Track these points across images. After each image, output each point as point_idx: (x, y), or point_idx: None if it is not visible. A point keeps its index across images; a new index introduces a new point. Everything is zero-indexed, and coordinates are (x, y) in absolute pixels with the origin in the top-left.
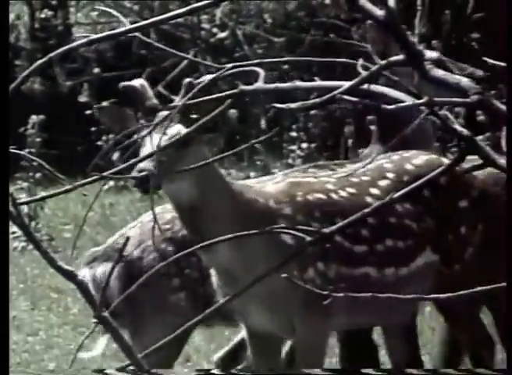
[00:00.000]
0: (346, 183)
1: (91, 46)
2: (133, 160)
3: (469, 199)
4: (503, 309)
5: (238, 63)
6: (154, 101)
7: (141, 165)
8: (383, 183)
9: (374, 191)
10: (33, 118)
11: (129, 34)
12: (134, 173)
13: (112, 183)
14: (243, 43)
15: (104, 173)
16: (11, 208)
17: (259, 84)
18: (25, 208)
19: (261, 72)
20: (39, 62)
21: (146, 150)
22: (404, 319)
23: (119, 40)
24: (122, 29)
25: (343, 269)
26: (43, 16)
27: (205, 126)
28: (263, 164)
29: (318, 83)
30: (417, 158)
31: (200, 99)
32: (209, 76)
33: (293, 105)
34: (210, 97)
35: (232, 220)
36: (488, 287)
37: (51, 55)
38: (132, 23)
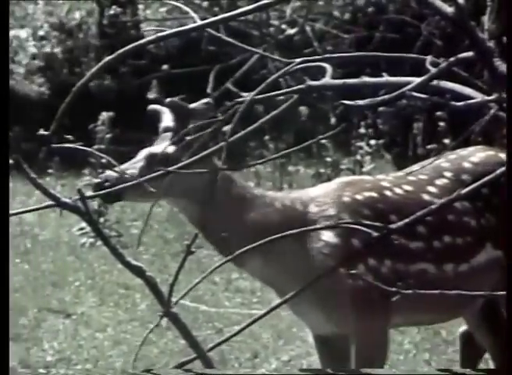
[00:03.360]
0: (402, 181)
1: (160, 42)
2: (199, 155)
3: None
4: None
5: (306, 58)
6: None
7: (106, 174)
8: (441, 181)
9: (431, 189)
10: (103, 115)
11: (198, 30)
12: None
13: None
14: (313, 39)
15: (170, 168)
16: (80, 204)
17: (327, 80)
18: (95, 205)
19: (329, 67)
20: (107, 58)
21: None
22: (464, 314)
23: (187, 36)
24: (191, 25)
25: (398, 266)
26: (112, 12)
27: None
28: (332, 160)
29: (387, 79)
30: (475, 156)
31: (269, 94)
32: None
33: (361, 102)
34: (278, 92)
35: (255, 232)
36: None
37: (120, 51)
38: (201, 19)
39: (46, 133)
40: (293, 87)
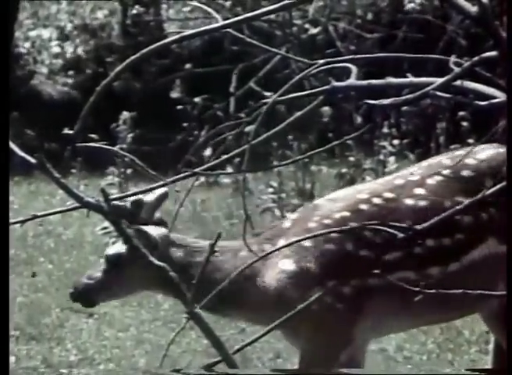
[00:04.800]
0: (385, 188)
1: (183, 42)
2: (225, 156)
3: None
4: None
5: (330, 59)
6: None
7: (78, 281)
8: (433, 180)
9: (418, 191)
10: (125, 114)
11: (222, 30)
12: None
13: (202, 179)
14: (335, 39)
15: (196, 170)
16: (103, 204)
17: (351, 81)
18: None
19: (354, 68)
20: (131, 58)
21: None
22: (479, 312)
23: (210, 36)
24: (214, 25)
25: (370, 280)
26: (135, 11)
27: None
28: (355, 160)
29: (411, 79)
30: (482, 153)
31: (293, 95)
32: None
33: (385, 102)
34: (302, 93)
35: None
36: None
37: (144, 51)
38: (223, 19)
39: (71, 132)
40: (317, 88)
